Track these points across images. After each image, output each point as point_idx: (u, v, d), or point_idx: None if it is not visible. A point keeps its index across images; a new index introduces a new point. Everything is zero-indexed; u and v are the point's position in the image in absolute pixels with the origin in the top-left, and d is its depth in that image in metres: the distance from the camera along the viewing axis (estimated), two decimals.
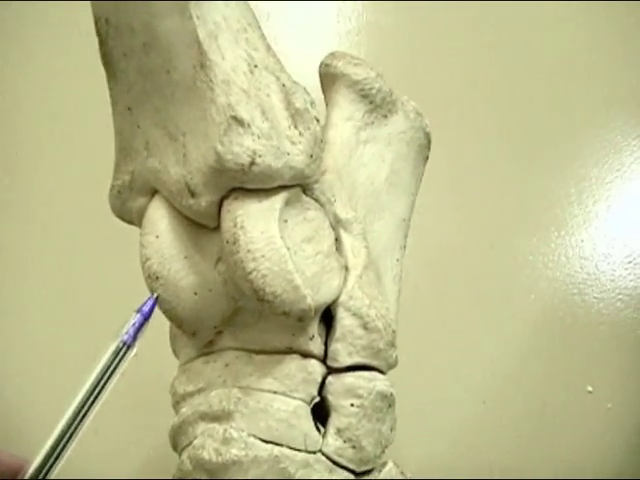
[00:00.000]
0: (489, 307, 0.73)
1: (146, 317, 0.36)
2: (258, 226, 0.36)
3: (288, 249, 0.36)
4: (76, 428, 0.33)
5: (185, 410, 0.39)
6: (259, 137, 0.36)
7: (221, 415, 0.37)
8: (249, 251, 0.35)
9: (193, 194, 0.37)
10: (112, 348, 0.35)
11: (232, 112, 0.35)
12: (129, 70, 0.38)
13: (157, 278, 0.38)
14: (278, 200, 0.37)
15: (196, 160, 0.37)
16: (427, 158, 0.47)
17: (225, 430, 0.37)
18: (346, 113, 0.43)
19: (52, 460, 0.32)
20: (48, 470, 0.32)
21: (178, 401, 0.40)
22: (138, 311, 0.36)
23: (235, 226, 0.36)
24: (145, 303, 0.37)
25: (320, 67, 0.44)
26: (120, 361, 0.35)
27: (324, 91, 0.45)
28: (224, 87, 0.36)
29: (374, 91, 0.43)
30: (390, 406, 0.39)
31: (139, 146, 0.40)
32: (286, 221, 0.37)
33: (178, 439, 0.39)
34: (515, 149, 0.78)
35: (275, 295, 0.35)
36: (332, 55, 0.44)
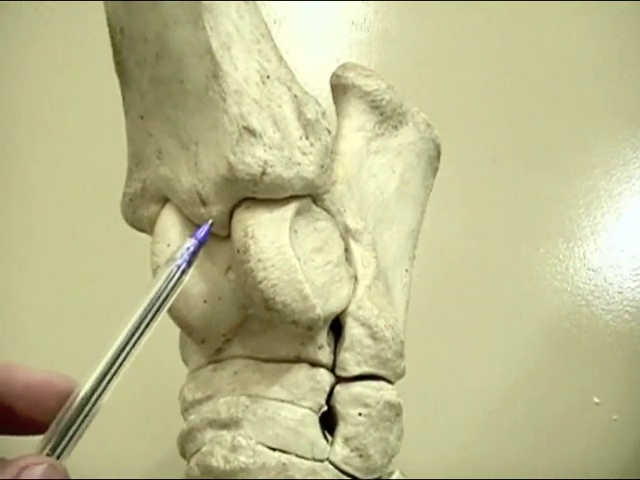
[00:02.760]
0: (496, 317, 0.73)
1: (201, 242, 0.35)
2: (269, 236, 0.36)
3: (298, 259, 0.36)
4: (128, 354, 0.31)
5: (193, 417, 0.39)
6: (270, 147, 0.36)
7: (229, 423, 0.38)
8: (259, 260, 0.35)
9: (204, 203, 0.37)
10: (166, 272, 0.33)
11: (244, 122, 0.36)
12: (142, 79, 0.39)
13: None
14: (289, 210, 0.37)
15: (208, 169, 0.37)
16: (437, 169, 0.47)
17: (233, 437, 0.37)
18: (357, 124, 0.44)
19: (103, 385, 0.31)
20: (99, 395, 0.30)
21: (187, 408, 0.40)
22: (192, 236, 0.35)
23: (246, 235, 0.36)
24: (200, 228, 0.36)
25: (331, 78, 0.45)
26: (175, 285, 0.33)
27: (335, 102, 0.45)
28: (236, 97, 0.36)
29: (385, 102, 0.44)
30: (397, 415, 0.39)
31: (151, 154, 0.40)
32: (296, 231, 0.38)
33: (186, 446, 0.39)
34: (524, 160, 0.79)
35: (285, 304, 0.35)
36: (343, 66, 0.45)
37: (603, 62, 0.81)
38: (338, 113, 0.44)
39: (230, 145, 0.36)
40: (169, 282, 0.33)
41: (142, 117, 0.40)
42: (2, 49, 0.82)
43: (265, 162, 0.36)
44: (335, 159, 0.42)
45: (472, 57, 0.83)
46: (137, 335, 0.32)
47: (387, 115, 0.44)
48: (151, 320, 0.32)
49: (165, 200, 0.41)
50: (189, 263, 0.34)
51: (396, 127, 0.45)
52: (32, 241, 0.77)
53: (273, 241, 0.36)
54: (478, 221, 0.76)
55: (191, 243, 0.35)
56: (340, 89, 0.44)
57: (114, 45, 0.39)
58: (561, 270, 0.74)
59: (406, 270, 0.44)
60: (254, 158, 0.36)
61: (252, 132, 0.36)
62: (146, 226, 0.42)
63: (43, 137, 0.80)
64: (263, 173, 0.36)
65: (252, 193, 0.36)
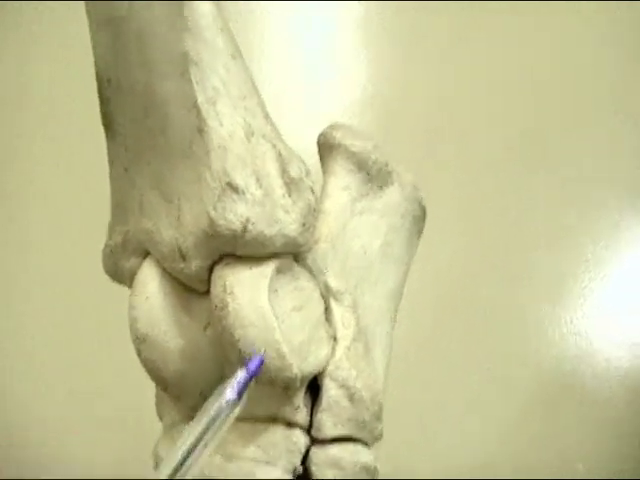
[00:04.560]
0: (481, 376, 0.72)
1: (252, 375, 0.34)
2: (247, 293, 0.36)
3: (277, 318, 0.36)
4: None
5: None
6: (253, 204, 0.36)
7: None
8: (237, 317, 0.35)
9: (184, 257, 0.37)
10: (216, 405, 0.33)
11: (227, 178, 0.36)
12: (127, 131, 0.39)
13: (144, 340, 0.38)
14: (269, 268, 0.37)
15: (189, 223, 0.37)
16: (421, 230, 0.47)
17: None
18: (342, 183, 0.44)
19: None
20: None
21: (159, 464, 0.39)
22: (243, 367, 0.34)
23: (225, 291, 0.36)
24: (252, 360, 0.35)
25: (319, 137, 0.45)
26: (224, 419, 0.33)
27: (322, 159, 0.45)
28: (220, 152, 0.36)
29: (370, 163, 0.44)
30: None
31: (134, 207, 0.40)
32: (276, 290, 0.37)
33: None
34: (512, 222, 0.79)
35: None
36: (331, 126, 0.45)
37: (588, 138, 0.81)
38: (324, 171, 0.45)
39: (212, 200, 0.36)
40: (218, 416, 0.33)
41: (126, 169, 0.40)
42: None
43: (247, 219, 0.36)
44: (319, 217, 0.42)
45: (469, 103, 0.84)
46: (183, 470, 0.31)
47: (372, 175, 0.44)
48: (197, 455, 0.32)
49: (146, 253, 0.40)
50: (239, 395, 0.33)
51: (381, 187, 0.45)
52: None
53: (252, 299, 0.36)
54: (466, 281, 0.76)
55: (242, 376, 0.34)
56: (327, 148, 0.44)
57: (101, 96, 0.39)
58: (547, 333, 0.73)
59: (387, 332, 0.44)
60: (236, 215, 0.36)
61: (235, 188, 0.36)
62: (126, 279, 0.41)
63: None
64: (244, 230, 0.36)
65: (233, 249, 0.36)
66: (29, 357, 0.75)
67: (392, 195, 0.45)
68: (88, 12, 0.39)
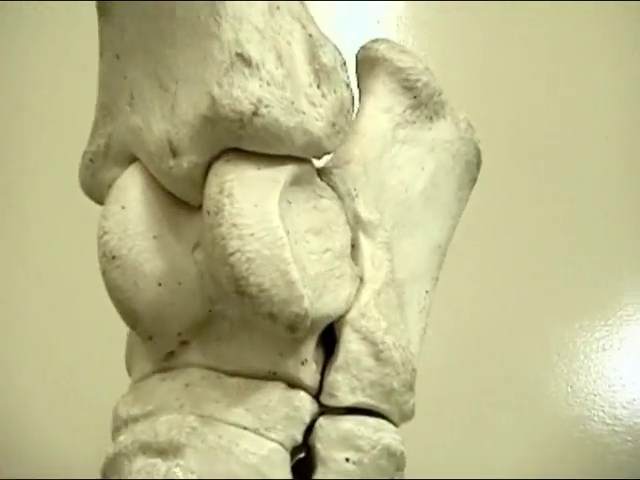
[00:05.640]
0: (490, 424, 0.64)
1: None
2: (251, 196, 0.27)
3: (287, 232, 0.27)
4: None
5: (123, 439, 0.29)
6: (268, 84, 0.27)
7: (168, 448, 0.27)
8: (234, 225, 0.26)
9: (175, 152, 0.29)
10: None
11: (239, 49, 0.27)
12: (126, 10, 0.31)
13: (113, 257, 0.29)
14: (283, 172, 0.28)
15: (185, 111, 0.28)
16: (474, 181, 0.38)
17: (169, 469, 0.27)
18: (384, 104, 0.35)
19: None
20: None
21: (118, 427, 0.30)
22: None
23: (221, 192, 0.27)
24: None
25: (358, 52, 0.36)
26: None
27: (359, 79, 0.36)
28: (234, 22, 0.28)
29: (420, 84, 0.35)
30: (397, 470, 0.29)
31: (122, 101, 0.32)
32: (290, 203, 0.29)
33: (110, 476, 0.29)
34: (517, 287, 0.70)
35: (261, 288, 0.26)
36: (374, 39, 0.36)
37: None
38: (362, 90, 0.36)
39: (217, 76, 0.27)
40: None
41: (118, 56, 0.32)
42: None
43: (259, 99, 0.27)
44: (351, 138, 0.33)
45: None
46: None
47: (422, 101, 0.36)
48: None
49: (131, 162, 0.32)
50: None
51: (431, 118, 0.36)
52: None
53: (256, 204, 0.27)
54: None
55: None
56: (367, 63, 0.36)
57: None
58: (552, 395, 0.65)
59: (426, 291, 0.34)
60: (245, 92, 0.27)
61: (247, 61, 0.27)
62: (105, 193, 0.33)
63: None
64: (255, 113, 0.27)
65: (238, 141, 0.28)
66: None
67: (443, 131, 0.37)
68: None
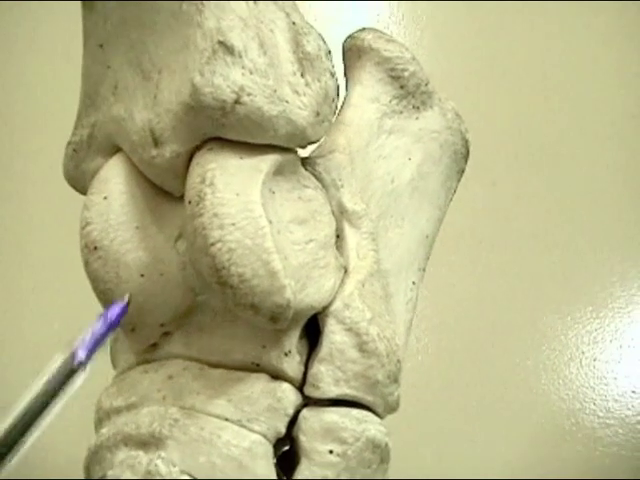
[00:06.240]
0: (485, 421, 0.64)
1: (110, 326, 0.27)
2: (233, 185, 0.26)
3: (270, 222, 0.26)
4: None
5: (105, 431, 0.29)
6: (251, 72, 0.27)
7: (149, 440, 0.27)
8: (216, 215, 0.26)
9: (157, 142, 0.28)
10: (59, 363, 0.25)
11: (221, 37, 0.27)
12: None
13: (95, 248, 0.28)
14: (266, 161, 0.28)
15: (167, 99, 0.28)
16: (462, 171, 0.38)
17: (150, 461, 0.27)
18: (370, 93, 0.35)
19: None
20: None
21: (101, 419, 0.30)
22: (101, 317, 0.27)
23: (203, 182, 0.27)
24: (112, 308, 0.27)
25: (345, 41, 0.36)
26: (64, 385, 0.25)
27: (346, 69, 0.36)
28: (216, 11, 0.28)
29: (407, 74, 0.35)
30: (382, 462, 0.29)
31: (106, 91, 0.31)
32: (273, 192, 0.28)
33: (92, 469, 0.29)
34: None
35: (242, 278, 0.26)
36: (361, 29, 0.36)
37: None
38: (348, 80, 0.36)
39: (199, 64, 0.27)
40: (58, 378, 0.24)
41: (101, 45, 0.32)
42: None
43: (241, 88, 0.27)
44: (337, 127, 0.33)
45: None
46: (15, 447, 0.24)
47: (409, 90, 0.35)
48: (31, 424, 0.24)
49: (114, 152, 0.31)
50: (89, 355, 0.25)
51: (418, 108, 0.36)
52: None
53: (238, 193, 0.26)
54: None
55: (97, 327, 0.26)
56: (354, 52, 0.35)
57: None
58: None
59: (413, 282, 0.34)
60: (227, 80, 0.27)
61: (229, 49, 0.27)
62: (88, 184, 0.32)
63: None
64: (237, 101, 0.27)
65: (220, 129, 0.27)
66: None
67: (431, 120, 0.36)
68: None
